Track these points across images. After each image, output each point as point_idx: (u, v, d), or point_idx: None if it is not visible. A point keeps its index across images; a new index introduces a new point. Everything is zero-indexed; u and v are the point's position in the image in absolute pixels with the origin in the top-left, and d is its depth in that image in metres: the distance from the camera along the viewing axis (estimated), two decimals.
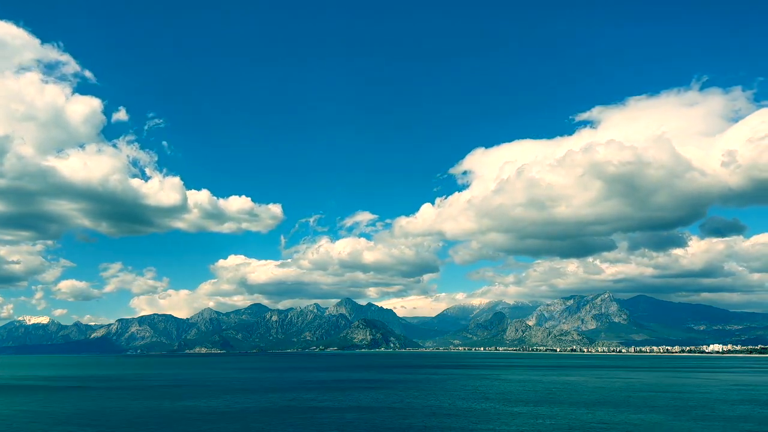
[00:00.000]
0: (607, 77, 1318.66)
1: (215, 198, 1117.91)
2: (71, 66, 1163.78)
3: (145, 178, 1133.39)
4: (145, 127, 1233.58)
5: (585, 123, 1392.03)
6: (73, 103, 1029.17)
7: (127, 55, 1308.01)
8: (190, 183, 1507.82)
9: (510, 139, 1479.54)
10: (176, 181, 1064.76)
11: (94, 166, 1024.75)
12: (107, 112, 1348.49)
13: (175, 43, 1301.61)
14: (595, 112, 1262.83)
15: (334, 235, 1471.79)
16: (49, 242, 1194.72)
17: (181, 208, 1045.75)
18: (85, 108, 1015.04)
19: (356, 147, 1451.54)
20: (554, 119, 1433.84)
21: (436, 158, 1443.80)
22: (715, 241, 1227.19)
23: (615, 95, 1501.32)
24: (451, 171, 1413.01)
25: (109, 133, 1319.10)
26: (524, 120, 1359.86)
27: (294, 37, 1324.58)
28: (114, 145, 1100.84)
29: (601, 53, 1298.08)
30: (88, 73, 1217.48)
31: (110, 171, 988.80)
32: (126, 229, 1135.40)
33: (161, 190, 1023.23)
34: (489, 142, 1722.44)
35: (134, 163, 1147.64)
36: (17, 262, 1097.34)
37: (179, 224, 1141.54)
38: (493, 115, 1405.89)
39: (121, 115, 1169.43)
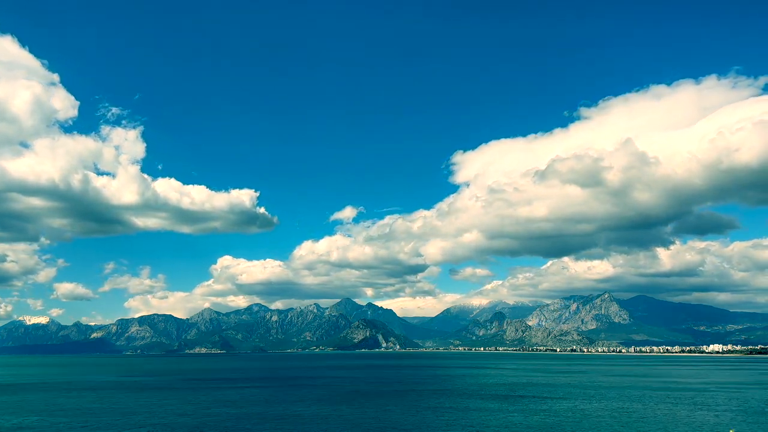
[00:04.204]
0: (582, 77, 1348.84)
1: (204, 194, 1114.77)
2: (12, 50, 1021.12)
3: (112, 174, 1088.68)
4: (101, 119, 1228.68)
5: (563, 122, 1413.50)
6: (19, 91, 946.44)
7: (78, 39, 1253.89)
8: (153, 174, 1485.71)
9: (488, 140, 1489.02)
10: (146, 176, 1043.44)
11: (51, 162, 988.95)
12: (59, 100, 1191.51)
13: (133, 26, 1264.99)
14: (566, 113, 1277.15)
15: (319, 235, 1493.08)
16: (45, 242, 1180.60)
17: (161, 206, 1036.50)
18: (32, 97, 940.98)
19: (343, 146, 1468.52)
20: (534, 118, 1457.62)
21: (421, 159, 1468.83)
22: (699, 242, 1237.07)
23: (591, 94, 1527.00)
24: (435, 172, 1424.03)
25: (62, 123, 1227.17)
26: (505, 121, 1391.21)
27: (277, 36, 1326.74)
28: (71, 137, 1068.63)
29: (575, 53, 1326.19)
30: (33, 58, 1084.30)
31: (70, 168, 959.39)
32: (106, 228, 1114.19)
33: (129, 185, 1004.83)
34: (469, 144, 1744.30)
35: (95, 156, 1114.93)
36: (4, 260, 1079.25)
37: (164, 223, 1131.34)
38: (474, 117, 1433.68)
39: (73, 103, 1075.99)
